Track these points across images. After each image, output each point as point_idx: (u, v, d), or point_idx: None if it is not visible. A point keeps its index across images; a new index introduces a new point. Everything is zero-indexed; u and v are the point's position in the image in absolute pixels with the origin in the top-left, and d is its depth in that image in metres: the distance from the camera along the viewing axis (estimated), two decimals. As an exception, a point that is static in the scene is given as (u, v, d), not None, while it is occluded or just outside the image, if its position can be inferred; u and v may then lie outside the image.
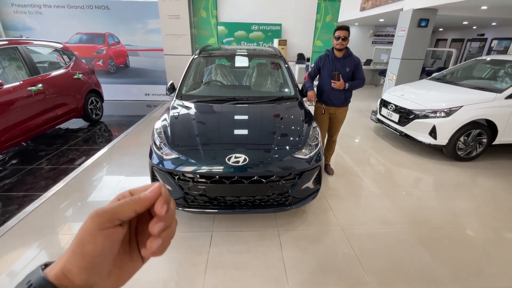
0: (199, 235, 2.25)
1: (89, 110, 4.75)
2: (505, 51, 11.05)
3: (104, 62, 6.37)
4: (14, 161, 3.48)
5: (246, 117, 2.55)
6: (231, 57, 3.36)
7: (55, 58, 4.43)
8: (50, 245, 2.11)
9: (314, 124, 2.49)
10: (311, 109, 2.96)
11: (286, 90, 3.14)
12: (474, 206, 2.77)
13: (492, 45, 11.68)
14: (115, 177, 3.14)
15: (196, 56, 3.25)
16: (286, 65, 3.23)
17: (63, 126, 4.82)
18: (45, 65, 4.16)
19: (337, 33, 2.64)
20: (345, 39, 2.64)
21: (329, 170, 3.28)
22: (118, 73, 6.56)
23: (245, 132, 2.35)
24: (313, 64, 2.96)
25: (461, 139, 3.61)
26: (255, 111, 2.62)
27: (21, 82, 3.40)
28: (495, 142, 3.68)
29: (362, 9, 8.62)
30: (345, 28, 2.63)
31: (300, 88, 3.03)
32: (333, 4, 6.07)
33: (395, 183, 3.20)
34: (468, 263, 2.03)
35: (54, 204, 2.59)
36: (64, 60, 4.41)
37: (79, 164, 3.39)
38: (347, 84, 2.74)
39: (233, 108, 2.65)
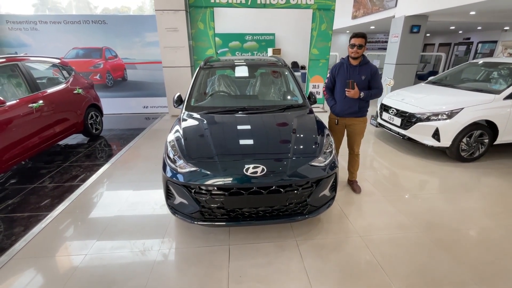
0: (217, 249, 2.19)
1: (89, 125, 4.67)
2: (490, 54, 11.48)
3: (101, 76, 6.32)
4: (13, 181, 3.36)
5: (259, 126, 2.53)
6: (237, 67, 3.37)
7: (54, 74, 4.38)
8: (65, 266, 2.02)
9: (327, 131, 2.50)
10: (325, 119, 2.96)
11: (295, 98, 3.15)
12: (485, 206, 2.80)
13: (477, 48, 12.13)
14: (123, 192, 3.06)
15: (202, 68, 3.26)
16: (292, 74, 3.26)
17: (62, 142, 4.71)
18: (43, 81, 4.09)
19: (353, 41, 2.55)
20: (361, 47, 2.53)
21: (355, 188, 3.02)
22: (116, 86, 6.51)
23: (260, 141, 2.34)
24: (328, 74, 2.86)
25: (464, 140, 3.68)
26: (267, 121, 2.61)
27: (23, 99, 3.33)
28: (497, 142, 3.77)
29: (354, 17, 8.86)
30: (361, 35, 2.52)
31: (308, 96, 3.04)
32: (328, 13, 6.22)
33: (403, 186, 3.21)
34: (489, 263, 2.04)
35: (62, 223, 2.50)
36: (63, 75, 4.35)
37: (83, 181, 3.30)
38: (362, 93, 2.62)
39: (245, 118, 2.64)
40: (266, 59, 3.75)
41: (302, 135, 2.39)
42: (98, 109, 4.98)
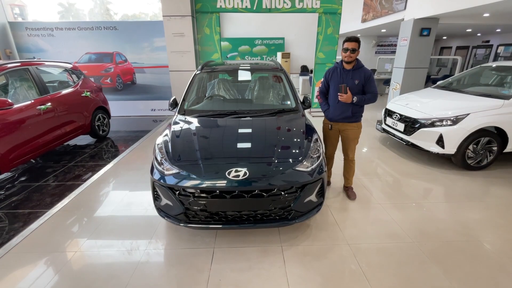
0: (201, 251, 2.20)
1: (96, 127, 4.85)
2: (511, 57, 10.91)
3: (112, 80, 6.57)
4: (22, 178, 3.54)
5: (246, 130, 2.54)
6: (232, 71, 3.40)
7: (65, 78, 4.60)
8: (54, 262, 2.10)
9: (316, 136, 2.46)
10: (318, 124, 2.92)
11: (287, 102, 3.13)
12: (487, 217, 2.65)
13: (498, 51, 11.57)
14: (120, 192, 3.15)
15: (198, 72, 3.31)
16: (287, 78, 3.24)
17: (71, 142, 4.92)
18: (55, 84, 4.31)
19: (346, 45, 2.52)
20: (354, 51, 2.50)
21: (350, 194, 2.96)
22: (125, 90, 6.75)
23: (245, 145, 2.34)
24: (322, 79, 2.85)
25: (470, 147, 3.51)
26: (255, 124, 2.61)
27: (31, 101, 3.52)
28: (506, 150, 3.56)
29: (364, 20, 8.72)
30: (354, 39, 2.50)
31: (302, 100, 3.02)
32: (334, 17, 6.16)
33: (403, 194, 3.10)
34: (484, 279, 1.92)
35: (58, 221, 2.61)
36: (73, 79, 4.56)
37: (85, 180, 3.42)
38: (355, 97, 2.57)
39: (233, 121, 2.65)
40: (263, 63, 3.75)
41: (288, 140, 2.37)
42: (106, 112, 5.17)
